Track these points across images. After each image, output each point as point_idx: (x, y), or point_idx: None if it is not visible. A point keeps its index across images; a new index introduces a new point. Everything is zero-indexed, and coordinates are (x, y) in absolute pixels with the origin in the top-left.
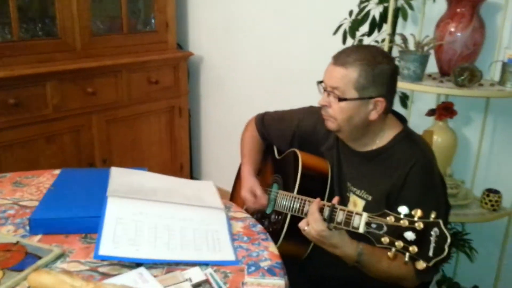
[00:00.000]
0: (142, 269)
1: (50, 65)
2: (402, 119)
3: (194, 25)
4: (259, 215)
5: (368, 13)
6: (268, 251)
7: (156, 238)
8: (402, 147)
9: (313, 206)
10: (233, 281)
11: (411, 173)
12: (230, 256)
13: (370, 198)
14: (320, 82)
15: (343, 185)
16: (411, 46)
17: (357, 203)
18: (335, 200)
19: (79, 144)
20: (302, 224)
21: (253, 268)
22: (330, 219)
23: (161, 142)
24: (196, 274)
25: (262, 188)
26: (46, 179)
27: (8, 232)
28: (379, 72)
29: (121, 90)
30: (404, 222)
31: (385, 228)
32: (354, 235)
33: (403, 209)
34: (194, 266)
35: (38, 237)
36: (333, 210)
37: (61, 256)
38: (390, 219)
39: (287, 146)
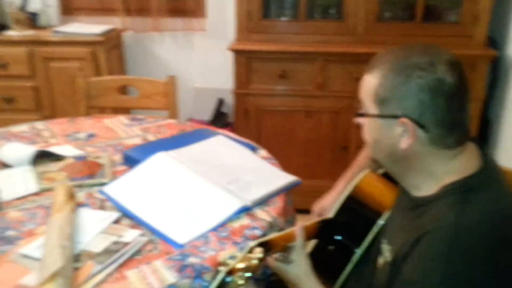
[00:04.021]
0: (113, 215)
1: (322, 46)
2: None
3: None
4: None
5: None
6: (208, 258)
7: (152, 198)
8: (444, 202)
9: None
10: (147, 257)
11: (421, 243)
12: (179, 237)
13: (389, 258)
14: None
15: (383, 231)
16: None
17: (380, 260)
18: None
19: (337, 125)
20: None
21: (173, 257)
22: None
23: None
24: (130, 236)
25: None
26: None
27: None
28: (404, 80)
29: None
30: None
31: None
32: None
33: None
34: (141, 229)
35: (122, 168)
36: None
37: (102, 184)
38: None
39: None
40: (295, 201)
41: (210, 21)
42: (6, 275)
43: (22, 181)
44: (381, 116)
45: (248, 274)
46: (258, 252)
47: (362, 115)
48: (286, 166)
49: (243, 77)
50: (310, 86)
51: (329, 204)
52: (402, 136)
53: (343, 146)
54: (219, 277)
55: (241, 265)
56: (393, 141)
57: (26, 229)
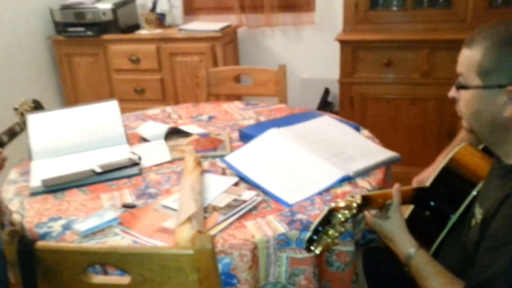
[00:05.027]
0: (233, 179)
1: (430, 34)
2: None
3: None
4: None
5: None
6: (313, 215)
7: (266, 167)
8: None
9: None
10: (262, 213)
11: (508, 200)
12: (289, 198)
13: (479, 221)
14: None
15: (476, 199)
16: None
17: (472, 222)
18: (396, 186)
19: (442, 113)
20: None
21: (280, 215)
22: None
23: None
24: (247, 195)
25: None
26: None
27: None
28: (509, 51)
29: None
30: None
31: None
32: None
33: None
34: (256, 191)
35: (239, 144)
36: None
37: (222, 156)
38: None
39: None
40: None
41: (318, 14)
42: (152, 220)
43: (158, 152)
44: (485, 87)
45: (347, 213)
46: (358, 199)
47: (464, 87)
48: None
49: (349, 67)
50: (416, 74)
51: (427, 177)
52: (507, 104)
53: (449, 134)
54: (325, 211)
55: (342, 204)
56: (496, 110)
57: (164, 188)
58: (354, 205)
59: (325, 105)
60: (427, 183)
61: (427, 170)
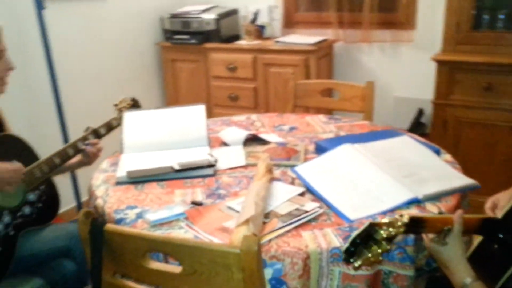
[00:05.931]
0: (299, 189)
1: None
2: None
3: None
4: None
5: None
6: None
7: (333, 180)
8: None
9: None
10: (320, 225)
11: None
12: (351, 214)
13: None
14: None
15: None
16: None
17: None
18: (458, 212)
19: None
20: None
21: (338, 230)
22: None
23: None
24: (310, 206)
25: None
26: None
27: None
28: None
29: None
30: None
31: None
32: None
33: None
34: (320, 203)
35: (313, 156)
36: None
37: (295, 166)
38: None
39: None
40: None
41: (418, 32)
42: (215, 219)
43: (234, 156)
44: None
45: (391, 230)
46: (405, 218)
47: None
48: (484, 183)
49: (444, 88)
50: None
51: (501, 200)
52: None
53: None
54: (365, 225)
55: (386, 220)
56: None
57: (233, 190)
58: (399, 223)
59: (417, 126)
60: (499, 215)
61: (503, 192)
